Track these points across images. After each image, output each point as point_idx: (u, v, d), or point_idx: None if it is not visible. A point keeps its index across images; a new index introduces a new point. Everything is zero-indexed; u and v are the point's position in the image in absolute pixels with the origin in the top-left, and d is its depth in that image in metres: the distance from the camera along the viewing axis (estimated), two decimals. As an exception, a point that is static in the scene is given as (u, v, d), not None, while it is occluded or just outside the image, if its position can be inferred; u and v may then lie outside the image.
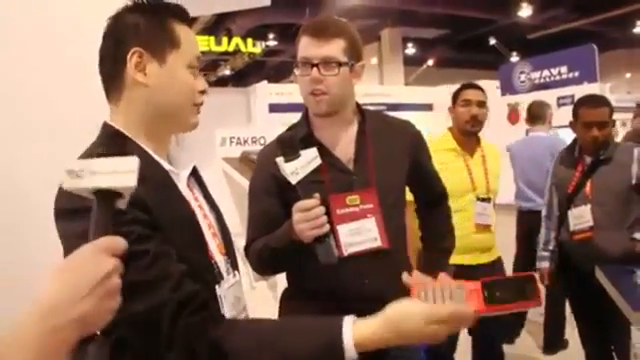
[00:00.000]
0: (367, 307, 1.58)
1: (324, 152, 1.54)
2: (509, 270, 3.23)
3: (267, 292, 3.31)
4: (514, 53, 16.30)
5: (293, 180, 1.31)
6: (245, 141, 5.83)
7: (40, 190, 1.59)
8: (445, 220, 1.92)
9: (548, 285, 2.87)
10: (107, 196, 0.79)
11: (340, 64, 1.54)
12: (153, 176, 1.04)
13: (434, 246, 1.87)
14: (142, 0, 1.11)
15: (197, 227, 1.10)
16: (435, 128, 7.02)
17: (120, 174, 0.78)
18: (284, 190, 1.39)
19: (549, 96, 4.82)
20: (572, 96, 5.04)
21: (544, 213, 2.90)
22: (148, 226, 0.95)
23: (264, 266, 1.66)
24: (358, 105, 1.69)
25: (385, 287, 1.59)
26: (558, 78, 5.74)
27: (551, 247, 2.85)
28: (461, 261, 2.53)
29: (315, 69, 1.52)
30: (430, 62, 17.46)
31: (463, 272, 2.46)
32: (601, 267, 2.32)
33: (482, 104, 2.66)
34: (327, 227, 1.36)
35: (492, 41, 15.24)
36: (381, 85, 14.15)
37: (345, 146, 1.63)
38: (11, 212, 1.69)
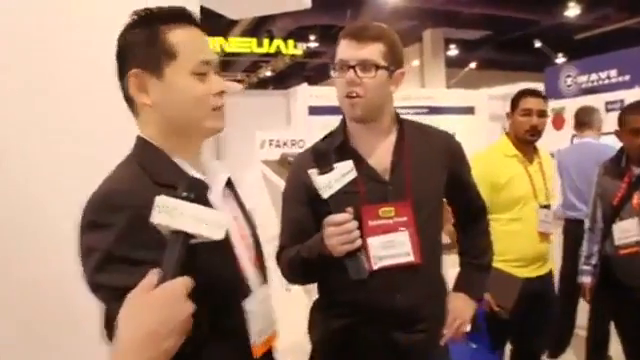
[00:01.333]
0: (397, 322, 1.56)
1: (359, 161, 1.52)
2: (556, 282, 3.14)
3: (302, 296, 3.31)
4: (560, 55, 15.84)
5: (325, 194, 1.29)
6: (284, 144, 5.84)
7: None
8: (485, 236, 1.87)
9: (589, 301, 2.80)
10: (187, 238, 0.83)
11: (378, 67, 1.51)
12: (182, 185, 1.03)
13: (473, 263, 1.83)
14: (137, 15, 1.08)
15: (227, 239, 1.07)
16: (476, 132, 6.92)
17: (210, 226, 0.84)
18: (316, 201, 1.37)
19: (597, 101, 4.62)
20: (621, 101, 4.84)
21: (587, 225, 2.82)
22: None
23: (295, 275, 1.64)
24: (397, 114, 1.66)
25: (417, 303, 1.57)
26: (607, 82, 5.52)
27: (593, 261, 2.76)
28: (525, 274, 2.53)
29: (352, 71, 1.50)
30: (473, 64, 17.12)
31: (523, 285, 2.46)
32: None
33: (543, 113, 2.59)
34: (359, 242, 1.33)
35: (537, 43, 14.83)
36: (422, 88, 13.99)
37: (382, 155, 1.59)
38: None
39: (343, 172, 1.31)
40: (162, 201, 0.81)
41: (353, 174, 1.33)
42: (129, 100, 1.10)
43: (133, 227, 0.91)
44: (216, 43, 13.14)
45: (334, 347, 1.62)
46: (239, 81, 16.33)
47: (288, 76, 18.54)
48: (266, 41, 13.49)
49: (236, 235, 1.13)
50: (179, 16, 1.08)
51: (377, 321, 1.55)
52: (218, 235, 0.85)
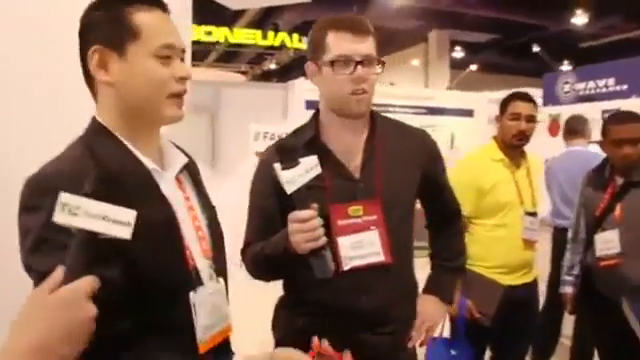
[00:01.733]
0: (364, 323, 1.52)
1: (329, 157, 1.48)
2: (543, 290, 3.10)
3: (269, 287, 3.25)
4: (565, 62, 15.80)
5: (289, 189, 1.24)
6: (279, 137, 5.82)
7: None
8: (458, 238, 1.83)
9: (571, 311, 2.75)
10: (94, 238, 0.79)
11: (378, 61, 1.47)
12: (131, 175, 1.01)
13: (445, 265, 1.78)
14: None
15: (175, 230, 1.05)
16: (474, 135, 6.87)
17: (116, 224, 0.81)
18: (281, 196, 1.32)
19: (593, 109, 4.57)
20: (618, 110, 4.82)
21: (570, 235, 2.76)
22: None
23: (259, 272, 1.60)
24: (371, 110, 1.61)
25: (384, 304, 1.53)
26: (604, 90, 5.46)
27: (575, 272, 2.70)
28: (508, 281, 2.48)
29: (359, 67, 1.43)
30: (474, 67, 17.05)
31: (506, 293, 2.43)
32: (628, 299, 2.19)
33: (532, 118, 2.50)
34: (324, 240, 1.29)
35: (536, 48, 14.74)
36: (426, 88, 13.95)
37: (353, 152, 1.54)
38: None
39: (307, 167, 1.26)
40: (65, 198, 0.78)
41: (317, 170, 1.28)
42: (89, 80, 1.08)
43: None
44: (220, 33, 13.12)
45: (297, 345, 1.58)
46: (243, 72, 16.31)
47: (292, 69, 18.49)
48: (271, 34, 13.47)
49: (188, 226, 1.09)
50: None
51: (343, 321, 1.51)
52: (124, 234, 0.81)
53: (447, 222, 1.81)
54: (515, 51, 15.63)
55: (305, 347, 1.57)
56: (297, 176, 1.25)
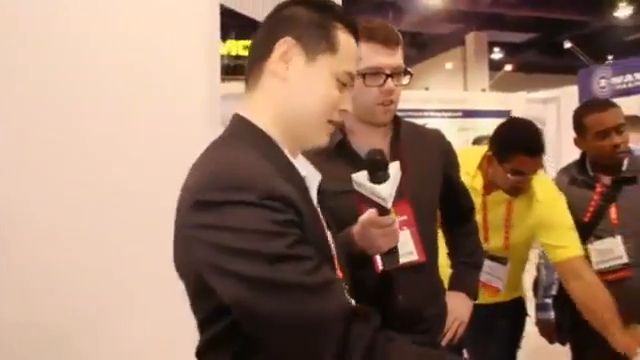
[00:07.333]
0: (399, 323, 1.51)
1: (357, 160, 1.48)
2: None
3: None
4: (610, 57, 15.37)
5: (389, 204, 1.25)
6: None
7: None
8: (475, 235, 1.84)
9: (554, 340, 2.30)
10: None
11: (406, 72, 1.49)
12: (296, 182, 0.98)
13: (465, 261, 1.78)
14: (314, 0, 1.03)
15: (328, 244, 1.02)
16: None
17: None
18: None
19: (631, 102, 4.48)
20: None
21: (541, 250, 2.24)
22: (302, 230, 0.88)
23: None
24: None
25: (418, 303, 1.54)
26: (641, 83, 5.36)
27: (554, 292, 2.28)
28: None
29: (390, 80, 1.46)
30: (509, 67, 16.62)
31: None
32: None
33: (536, 169, 1.93)
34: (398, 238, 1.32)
35: (567, 45, 14.30)
36: (465, 91, 13.82)
37: None
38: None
39: (395, 177, 1.26)
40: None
41: (399, 175, 1.27)
42: (253, 65, 1.02)
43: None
44: (239, 45, 13.27)
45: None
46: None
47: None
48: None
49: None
50: (350, 23, 1.04)
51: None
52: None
53: (464, 219, 1.82)
54: (553, 49, 15.31)
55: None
56: (390, 188, 1.25)
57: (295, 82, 0.98)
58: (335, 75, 1.00)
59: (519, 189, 1.96)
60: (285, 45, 0.97)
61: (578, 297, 1.92)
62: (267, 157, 0.94)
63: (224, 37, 12.60)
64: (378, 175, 1.23)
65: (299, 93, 0.99)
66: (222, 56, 12.94)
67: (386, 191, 1.23)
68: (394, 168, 1.26)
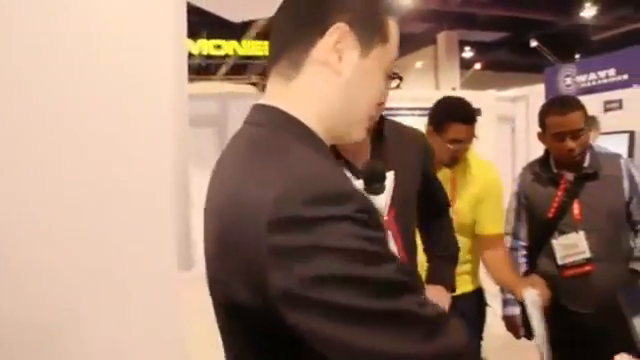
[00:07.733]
0: None
1: (339, 158, 1.47)
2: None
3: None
4: (577, 56, 15.72)
5: (385, 214, 1.25)
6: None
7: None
8: (450, 229, 1.86)
9: (521, 336, 2.29)
10: None
11: (395, 76, 1.50)
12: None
13: (442, 255, 1.80)
14: None
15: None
16: (484, 134, 6.82)
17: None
18: None
19: (595, 100, 4.60)
20: (619, 100, 4.81)
21: (509, 244, 2.30)
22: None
23: None
24: None
25: None
26: (605, 81, 5.44)
27: None
28: None
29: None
30: (478, 66, 16.80)
31: None
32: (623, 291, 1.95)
33: (471, 137, 2.11)
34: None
35: (533, 44, 14.58)
36: (437, 90, 13.97)
37: (362, 155, 1.53)
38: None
39: (390, 187, 1.26)
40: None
41: (392, 185, 1.28)
42: (292, 45, 0.86)
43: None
44: (229, 46, 13.27)
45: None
46: (254, 84, 16.43)
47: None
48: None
49: None
50: (394, 9, 0.95)
51: None
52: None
53: (439, 215, 1.83)
54: (522, 48, 15.59)
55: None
56: (384, 197, 1.25)
57: (350, 77, 0.85)
58: (384, 68, 0.91)
59: (456, 158, 2.14)
60: (338, 32, 0.83)
61: (489, 265, 2.21)
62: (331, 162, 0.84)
63: (195, 36, 12.51)
64: (375, 187, 1.22)
65: (354, 90, 0.86)
66: (193, 55, 12.86)
67: (382, 202, 1.22)
68: (389, 179, 1.26)
